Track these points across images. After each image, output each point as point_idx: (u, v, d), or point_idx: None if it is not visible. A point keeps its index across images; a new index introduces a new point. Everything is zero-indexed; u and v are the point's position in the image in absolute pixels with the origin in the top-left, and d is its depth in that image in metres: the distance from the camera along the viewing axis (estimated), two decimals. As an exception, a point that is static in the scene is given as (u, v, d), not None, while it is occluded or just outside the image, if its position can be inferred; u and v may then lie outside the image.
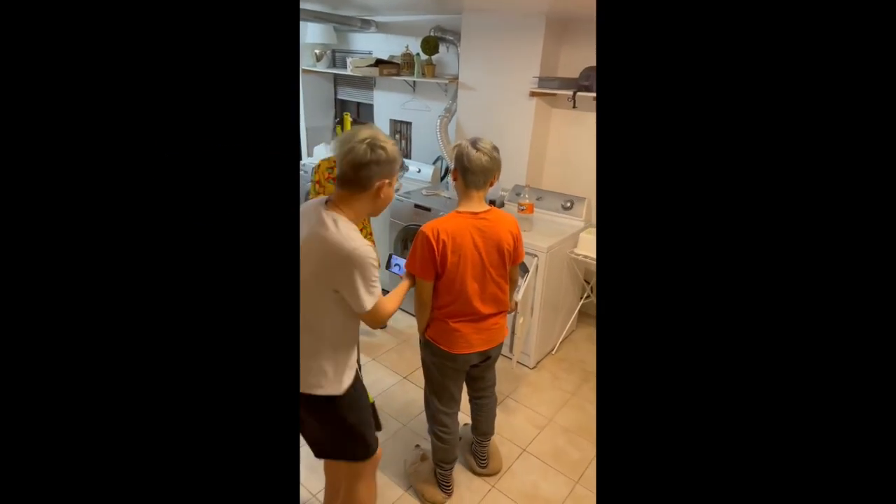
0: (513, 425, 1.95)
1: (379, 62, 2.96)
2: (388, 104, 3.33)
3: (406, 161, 3.12)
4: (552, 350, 2.46)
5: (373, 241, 2.30)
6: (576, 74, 2.32)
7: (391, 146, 1.04)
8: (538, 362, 2.36)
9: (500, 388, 2.16)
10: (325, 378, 1.10)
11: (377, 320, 1.13)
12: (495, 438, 1.77)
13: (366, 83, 3.41)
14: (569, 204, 2.42)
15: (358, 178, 1.03)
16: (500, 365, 2.31)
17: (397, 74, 2.96)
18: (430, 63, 2.83)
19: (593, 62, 2.31)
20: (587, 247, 2.17)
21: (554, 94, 2.43)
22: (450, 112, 2.82)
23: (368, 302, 1.06)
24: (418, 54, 2.85)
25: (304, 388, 1.10)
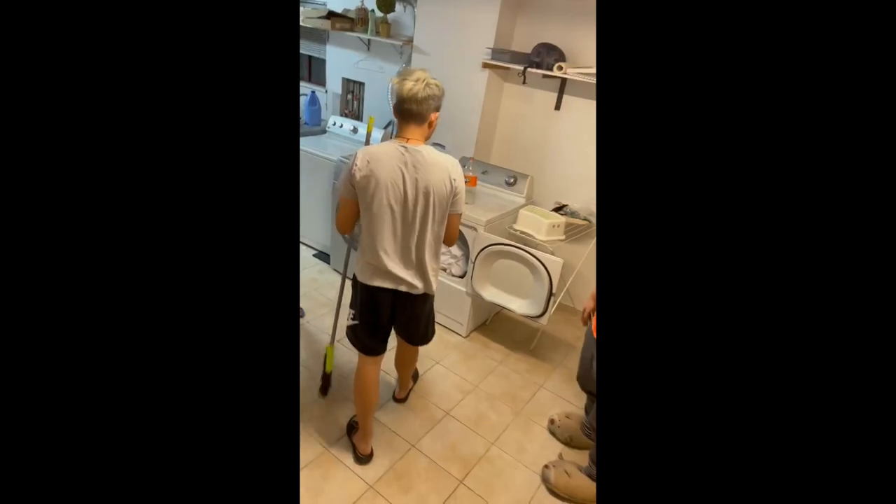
0: (440, 390, 2.02)
1: (331, 14, 2.81)
2: (340, 61, 3.19)
3: (356, 123, 3.03)
4: (486, 321, 2.54)
5: None
6: (529, 49, 2.31)
7: (438, 84, 1.29)
8: (470, 332, 2.43)
9: (432, 354, 2.23)
10: (433, 279, 1.44)
11: (457, 228, 1.44)
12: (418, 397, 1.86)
13: (318, 36, 3.24)
14: (512, 180, 2.46)
15: (419, 111, 1.26)
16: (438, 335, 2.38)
17: (350, 30, 2.83)
18: (385, 21, 2.72)
19: (547, 39, 2.31)
20: (525, 223, 2.23)
21: (507, 68, 2.42)
22: (403, 76, 2.74)
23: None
24: (373, 11, 2.73)
25: (426, 289, 1.44)
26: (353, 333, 1.54)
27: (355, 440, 1.66)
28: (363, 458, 1.63)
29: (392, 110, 1.32)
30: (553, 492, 1.62)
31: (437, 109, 1.31)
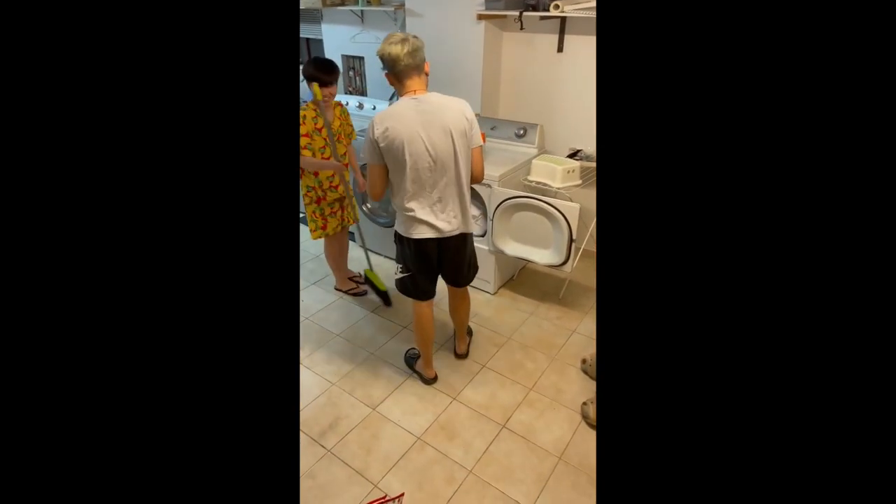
0: (474, 346, 2.07)
1: (321, -9, 2.78)
2: (337, 38, 3.17)
3: (361, 99, 3.03)
4: (512, 277, 2.56)
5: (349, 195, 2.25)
6: (523, -7, 2.23)
7: (416, 37, 1.43)
8: (498, 289, 2.46)
9: (463, 313, 2.28)
10: (467, 217, 1.58)
11: (480, 162, 1.57)
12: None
13: (312, 16, 3.21)
14: (522, 131, 2.42)
15: (416, 63, 1.40)
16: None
17: (342, 4, 2.79)
18: (374, -11, 2.67)
19: (540, -22, 2.21)
20: (539, 172, 2.21)
21: (503, 16, 2.35)
22: (400, 42, 2.70)
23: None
24: (361, -21, 2.68)
25: (465, 228, 1.59)
26: (403, 285, 1.70)
27: (419, 368, 1.90)
28: (430, 381, 1.88)
29: (389, 78, 1.45)
30: (593, 426, 1.66)
31: (425, 58, 1.47)
